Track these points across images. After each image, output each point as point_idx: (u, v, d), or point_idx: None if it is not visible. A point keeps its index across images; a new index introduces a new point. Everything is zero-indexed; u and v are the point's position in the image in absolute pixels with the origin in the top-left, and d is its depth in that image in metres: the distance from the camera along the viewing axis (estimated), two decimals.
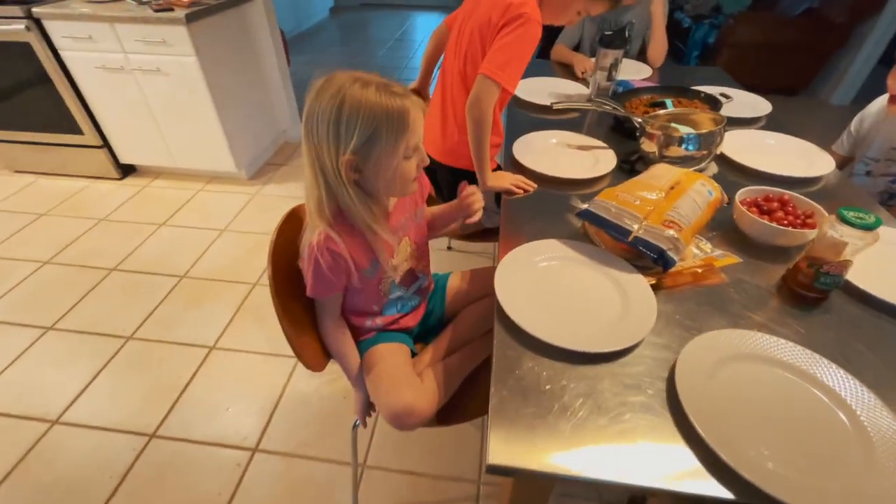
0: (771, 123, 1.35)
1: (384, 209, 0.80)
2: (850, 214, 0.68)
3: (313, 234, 0.74)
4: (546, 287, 0.75)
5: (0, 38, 1.97)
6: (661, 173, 0.90)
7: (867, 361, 0.64)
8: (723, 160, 1.14)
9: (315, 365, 0.86)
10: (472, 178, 1.07)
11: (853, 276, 0.75)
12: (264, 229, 2.09)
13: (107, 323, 1.63)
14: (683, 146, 1.02)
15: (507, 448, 0.54)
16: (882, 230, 0.71)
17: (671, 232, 0.75)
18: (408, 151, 0.71)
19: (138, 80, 2.06)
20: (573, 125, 1.32)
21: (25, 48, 2.00)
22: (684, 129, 1.03)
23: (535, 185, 1.02)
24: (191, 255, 1.94)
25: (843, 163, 1.29)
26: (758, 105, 1.41)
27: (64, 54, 2.05)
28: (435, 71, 1.36)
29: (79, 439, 1.29)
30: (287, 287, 0.80)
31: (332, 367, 0.93)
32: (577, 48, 1.88)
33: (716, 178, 1.07)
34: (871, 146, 1.18)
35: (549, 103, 1.32)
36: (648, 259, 0.76)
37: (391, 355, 0.90)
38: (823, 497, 0.47)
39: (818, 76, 3.46)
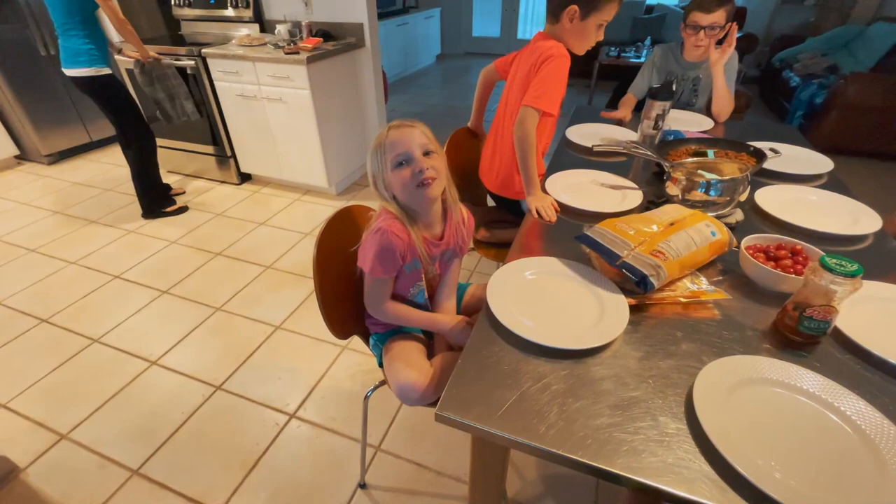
0: (831, 183, 1.31)
1: (425, 223, 0.99)
2: (831, 261, 0.70)
3: (385, 221, 0.93)
4: (532, 292, 0.86)
5: (180, 66, 2.58)
6: (669, 211, 0.97)
7: None
8: (756, 211, 1.15)
9: (337, 332, 1.05)
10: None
11: (851, 329, 0.75)
12: None
13: (205, 294, 1.99)
14: (704, 191, 1.06)
15: (455, 404, 0.66)
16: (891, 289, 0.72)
17: (656, 261, 0.82)
18: (394, 161, 0.90)
19: (265, 106, 2.55)
20: (618, 168, 1.39)
21: (193, 77, 2.60)
22: (709, 176, 1.08)
23: (555, 219, 1.13)
24: (278, 250, 2.29)
25: None
26: (818, 163, 1.38)
27: (217, 84, 2.61)
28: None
29: (167, 379, 1.60)
30: (327, 266, 1.00)
31: (370, 360, 1.11)
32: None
33: (743, 225, 1.09)
34: None
35: (590, 145, 1.42)
36: (632, 282, 0.83)
37: (407, 343, 1.06)
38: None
39: None
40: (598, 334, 0.75)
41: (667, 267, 0.82)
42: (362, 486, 1.27)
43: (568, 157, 1.50)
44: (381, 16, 5.12)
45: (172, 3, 2.97)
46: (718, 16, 1.58)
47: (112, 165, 3.29)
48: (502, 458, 0.77)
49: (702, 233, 0.90)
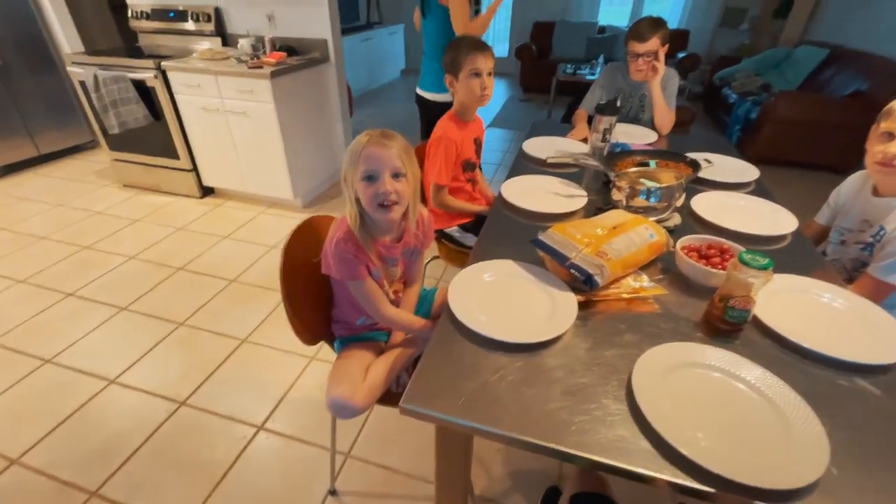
0: (757, 190, 1.46)
1: (379, 229, 1.03)
2: (747, 256, 0.80)
3: (340, 232, 0.97)
4: (490, 292, 0.92)
5: (136, 79, 2.54)
6: (613, 216, 1.06)
7: None
8: (692, 216, 1.26)
9: (305, 339, 1.08)
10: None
11: (769, 317, 0.85)
12: None
13: (167, 309, 1.95)
14: (645, 197, 1.17)
15: (418, 397, 0.71)
16: (811, 283, 0.84)
17: (600, 261, 0.91)
18: (362, 173, 0.94)
19: (228, 119, 2.54)
20: (572, 178, 1.49)
21: (152, 90, 2.56)
22: (649, 183, 1.18)
23: None
24: (243, 263, 2.27)
25: (824, 231, 1.35)
26: (747, 171, 1.53)
27: (178, 97, 2.58)
28: None
29: (127, 397, 1.56)
30: (294, 275, 1.03)
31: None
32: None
33: (680, 228, 1.20)
34: (847, 217, 1.26)
35: (544, 157, 1.53)
36: (580, 281, 0.91)
37: (354, 354, 1.09)
38: (750, 465, 0.59)
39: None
40: (550, 329, 0.82)
41: (609, 266, 0.90)
42: (332, 492, 1.28)
43: (525, 167, 1.59)
44: (345, 31, 5.17)
45: (129, 14, 2.92)
46: (653, 43, 1.73)
47: (62, 180, 3.16)
48: (465, 448, 0.82)
49: (641, 235, 0.99)
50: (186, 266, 2.25)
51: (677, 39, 5.32)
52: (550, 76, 4.50)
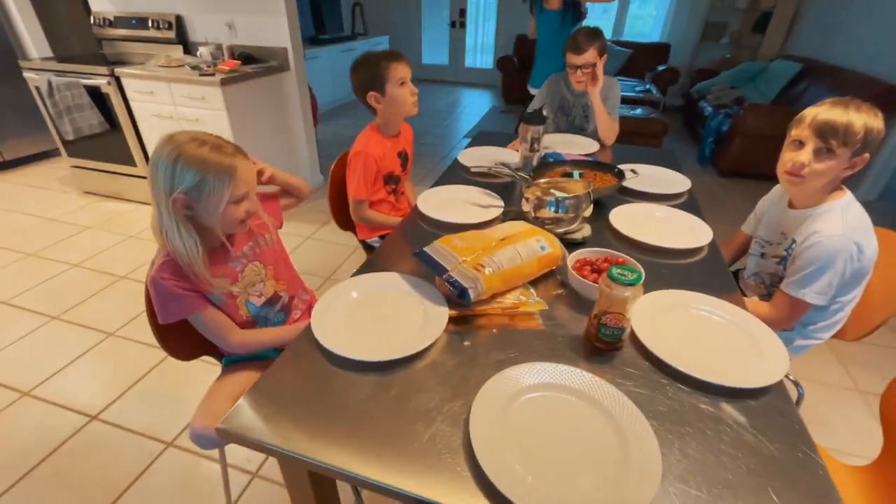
0: (689, 201, 1.42)
1: (217, 240, 0.94)
2: (615, 272, 0.76)
3: (153, 266, 0.88)
4: (360, 307, 0.88)
5: (89, 85, 2.52)
6: (507, 227, 1.02)
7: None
8: (608, 228, 1.22)
9: (180, 356, 1.04)
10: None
11: (650, 337, 0.80)
12: None
13: (98, 320, 1.90)
14: (553, 209, 1.12)
15: (242, 420, 0.65)
16: (706, 300, 0.84)
17: (476, 274, 0.86)
18: (234, 198, 0.87)
19: (182, 127, 2.49)
20: (503, 188, 1.44)
21: (106, 97, 2.54)
22: (558, 194, 1.14)
23: None
24: None
25: (749, 241, 1.30)
26: (680, 182, 1.49)
27: (132, 104, 2.56)
28: None
29: (38, 410, 1.50)
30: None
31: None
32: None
33: (592, 240, 1.16)
34: (766, 228, 1.21)
35: (470, 167, 1.49)
36: (454, 295, 0.86)
37: (232, 378, 1.03)
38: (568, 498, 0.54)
39: None
40: (412, 345, 0.77)
41: (484, 280, 0.85)
42: None
43: (458, 177, 1.55)
44: (327, 41, 5.21)
45: (91, 21, 2.92)
46: (590, 55, 1.70)
47: (23, 186, 3.13)
48: (316, 481, 0.76)
49: (530, 247, 0.95)
50: (129, 275, 2.20)
51: (658, 53, 5.34)
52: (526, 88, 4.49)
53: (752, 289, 1.23)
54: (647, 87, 4.66)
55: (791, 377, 1.19)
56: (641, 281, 0.75)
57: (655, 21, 5.87)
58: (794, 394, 1.64)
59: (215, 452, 1.37)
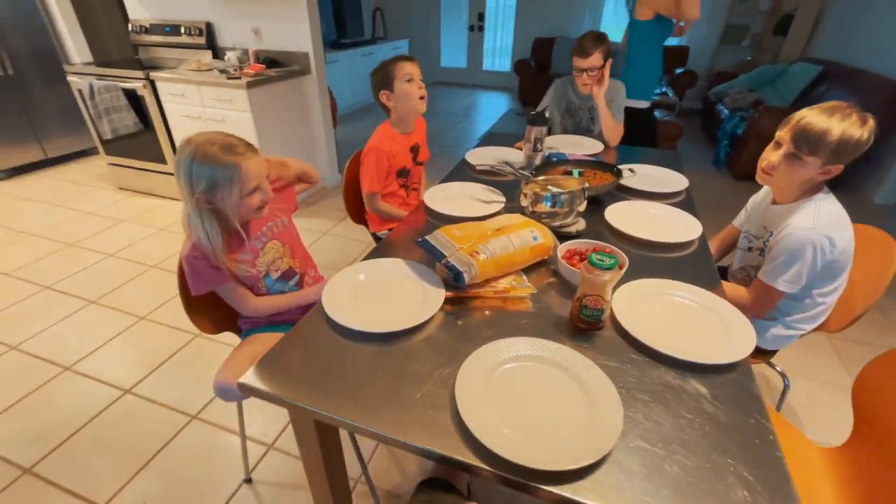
0: (686, 200, 1.47)
1: (236, 227, 1.05)
2: (595, 257, 0.83)
3: (185, 248, 1.02)
4: (367, 286, 0.97)
5: (127, 88, 2.71)
6: (503, 219, 1.10)
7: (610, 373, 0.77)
8: (603, 223, 1.29)
9: (206, 329, 1.17)
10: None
11: (627, 319, 0.87)
12: None
13: (132, 304, 2.05)
14: (549, 204, 1.20)
15: (263, 377, 0.75)
16: (686, 288, 0.90)
17: (471, 259, 0.94)
18: (246, 191, 0.98)
19: (209, 127, 2.65)
20: (508, 185, 1.51)
21: (141, 99, 2.72)
22: (555, 190, 1.21)
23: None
24: None
25: (738, 236, 1.34)
26: (676, 182, 1.54)
27: (165, 105, 2.74)
28: None
29: (77, 384, 1.65)
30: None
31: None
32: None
33: (586, 233, 1.23)
34: (753, 223, 1.26)
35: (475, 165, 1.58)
36: (451, 278, 0.95)
37: (252, 341, 1.15)
38: (546, 450, 0.62)
39: (861, 173, 3.32)
40: (406, 320, 0.86)
41: (479, 265, 0.94)
42: (247, 480, 1.33)
43: (464, 175, 1.64)
44: (348, 45, 5.37)
45: (129, 29, 3.12)
46: (595, 58, 1.76)
47: (64, 182, 3.35)
48: (324, 434, 0.85)
49: (523, 237, 1.03)
50: (160, 264, 2.36)
51: (676, 56, 5.32)
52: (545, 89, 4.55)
53: (739, 281, 1.28)
54: (664, 89, 4.65)
55: (778, 368, 1.24)
56: (618, 265, 0.82)
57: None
58: (780, 385, 1.68)
59: (235, 425, 1.49)
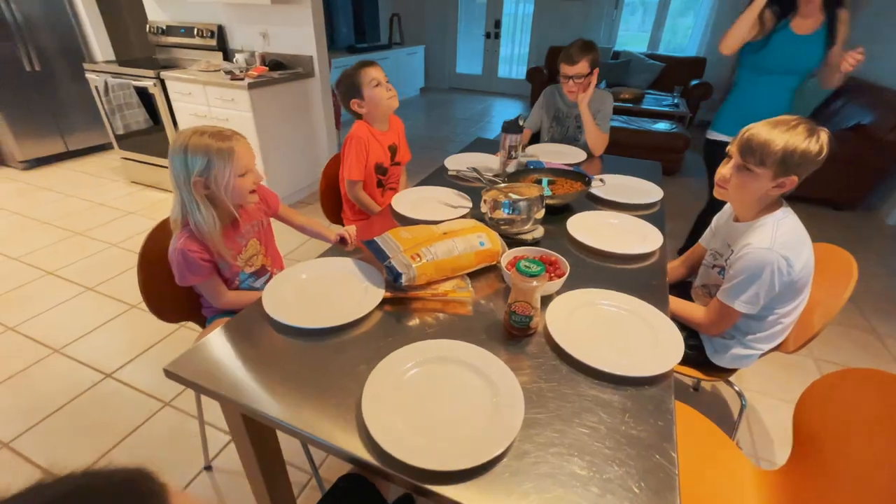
0: (658, 211, 1.45)
1: (230, 215, 1.13)
2: (522, 264, 0.84)
3: (178, 240, 1.08)
4: (310, 284, 1.00)
5: (138, 86, 2.83)
6: (453, 224, 1.11)
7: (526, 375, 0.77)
8: (563, 233, 1.28)
9: (167, 318, 1.22)
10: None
11: (557, 329, 0.87)
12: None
13: (124, 293, 2.14)
14: (507, 211, 1.21)
15: (189, 365, 0.79)
16: (608, 296, 0.88)
17: (411, 261, 0.96)
18: (238, 171, 1.05)
19: (214, 125, 2.76)
20: (474, 192, 1.54)
21: (152, 97, 2.84)
22: (514, 196, 1.22)
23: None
24: None
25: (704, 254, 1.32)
26: (650, 193, 1.52)
27: (174, 104, 2.85)
28: None
29: (63, 366, 1.72)
30: (153, 270, 1.17)
31: None
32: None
33: (545, 241, 1.24)
34: (717, 240, 1.24)
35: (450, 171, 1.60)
36: (390, 279, 0.97)
37: (217, 323, 1.19)
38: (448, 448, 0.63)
39: (874, 193, 3.20)
40: (339, 318, 0.88)
41: (418, 267, 0.95)
42: (207, 468, 1.37)
43: (441, 180, 1.66)
44: (363, 50, 5.47)
45: (147, 30, 3.26)
46: (582, 66, 1.76)
47: (81, 174, 3.51)
48: (249, 424, 0.88)
49: (469, 242, 1.04)
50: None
51: (692, 67, 5.24)
52: None
53: (699, 297, 1.26)
54: (675, 100, 4.59)
55: (736, 388, 1.22)
56: (544, 273, 0.83)
57: (693, 34, 5.76)
58: (737, 405, 1.63)
59: (206, 416, 1.53)
